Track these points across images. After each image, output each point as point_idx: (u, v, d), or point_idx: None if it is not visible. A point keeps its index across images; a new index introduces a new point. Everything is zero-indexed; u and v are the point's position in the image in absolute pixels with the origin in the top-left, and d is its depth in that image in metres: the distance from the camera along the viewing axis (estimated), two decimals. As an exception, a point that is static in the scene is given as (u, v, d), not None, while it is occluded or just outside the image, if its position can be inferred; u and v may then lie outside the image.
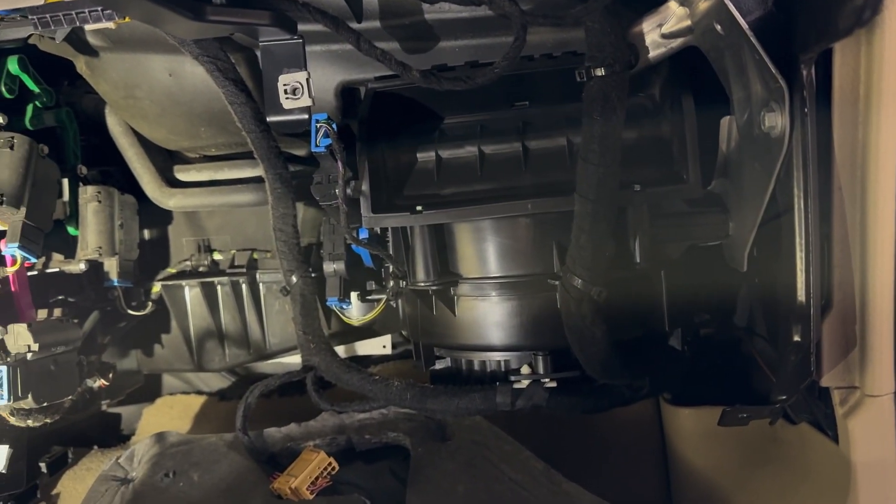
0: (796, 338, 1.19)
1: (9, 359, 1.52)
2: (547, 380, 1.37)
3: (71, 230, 1.86)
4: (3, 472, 1.72)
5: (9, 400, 1.47)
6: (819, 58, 1.10)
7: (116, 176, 1.99)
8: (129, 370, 2.25)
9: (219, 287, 2.12)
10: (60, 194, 1.81)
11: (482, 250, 1.43)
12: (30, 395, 1.52)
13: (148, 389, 2.44)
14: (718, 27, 1.11)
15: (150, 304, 2.08)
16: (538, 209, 1.30)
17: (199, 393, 2.51)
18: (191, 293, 2.13)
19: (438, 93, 1.24)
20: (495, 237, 1.40)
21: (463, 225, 1.44)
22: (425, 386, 1.45)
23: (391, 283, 1.60)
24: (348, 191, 1.37)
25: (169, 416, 2.43)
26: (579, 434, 2.10)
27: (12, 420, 1.58)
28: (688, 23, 1.19)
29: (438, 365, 1.57)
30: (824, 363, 1.22)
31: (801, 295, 1.17)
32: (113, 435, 2.48)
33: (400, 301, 1.65)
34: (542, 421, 2.06)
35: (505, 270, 1.41)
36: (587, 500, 1.51)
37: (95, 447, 2.31)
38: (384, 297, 1.75)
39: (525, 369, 1.40)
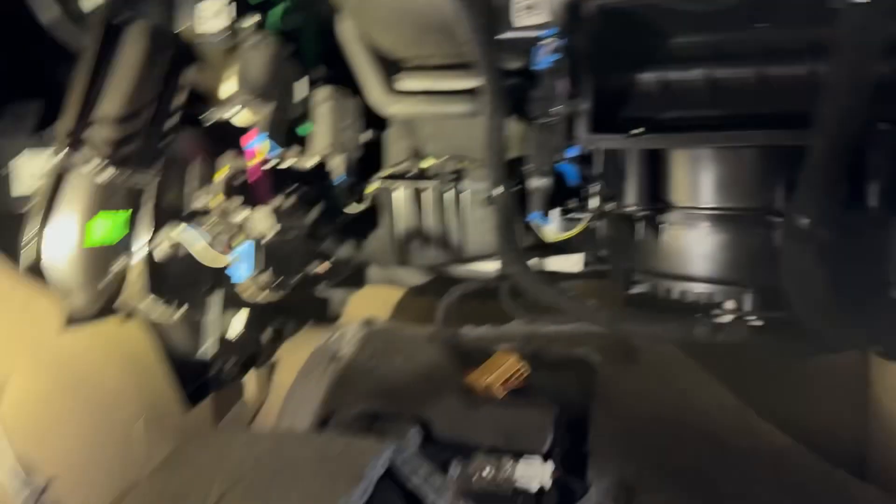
0: None
1: (252, 236, 1.71)
2: (753, 317, 1.34)
3: (304, 128, 2.03)
4: (241, 331, 1.96)
5: (254, 272, 1.67)
6: None
7: (344, 80, 2.12)
8: (343, 259, 2.45)
9: (427, 192, 2.24)
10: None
11: (698, 180, 1.40)
12: (270, 270, 1.71)
13: (356, 278, 2.66)
14: None
15: (365, 201, 2.24)
16: (770, 141, 1.24)
17: (400, 286, 2.69)
18: (401, 195, 2.27)
19: (670, 11, 1.20)
20: (715, 167, 1.36)
21: (680, 151, 1.40)
22: (620, 309, 1.47)
23: (596, 203, 1.61)
24: (568, 109, 1.39)
25: (373, 304, 2.63)
26: (775, 375, 2.02)
27: (249, 292, 1.78)
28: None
29: (636, 289, 1.58)
30: None
31: None
32: (325, 316, 2.75)
33: (601, 222, 1.66)
34: (735, 358, 2.01)
35: (721, 202, 1.37)
36: (779, 440, 1.48)
37: (311, 322, 2.58)
38: (585, 216, 1.76)
39: (730, 304, 1.37)
